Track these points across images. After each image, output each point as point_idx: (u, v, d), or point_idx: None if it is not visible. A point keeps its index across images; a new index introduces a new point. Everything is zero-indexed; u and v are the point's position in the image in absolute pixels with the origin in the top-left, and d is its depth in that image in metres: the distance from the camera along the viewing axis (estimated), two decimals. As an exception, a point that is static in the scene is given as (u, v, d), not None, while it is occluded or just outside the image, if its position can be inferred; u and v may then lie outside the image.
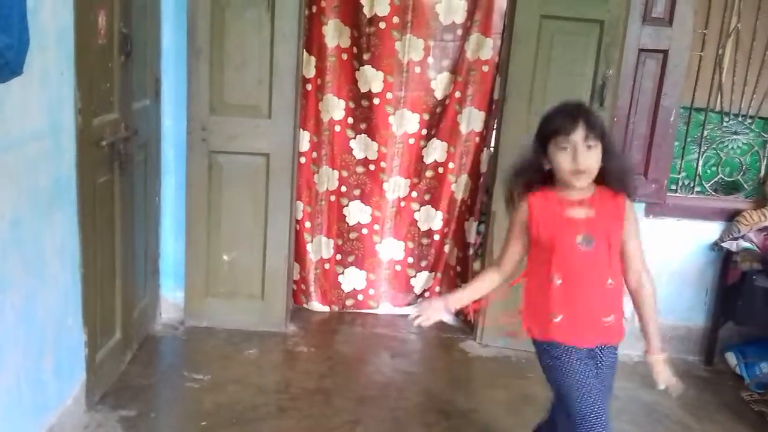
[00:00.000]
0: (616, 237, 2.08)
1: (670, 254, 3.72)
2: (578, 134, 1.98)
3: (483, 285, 2.26)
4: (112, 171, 2.81)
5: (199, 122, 3.43)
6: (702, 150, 3.83)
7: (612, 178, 2.07)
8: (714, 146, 3.86)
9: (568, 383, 2.12)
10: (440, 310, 2.20)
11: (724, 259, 3.66)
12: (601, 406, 2.10)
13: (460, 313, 3.97)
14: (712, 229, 3.70)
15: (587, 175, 2.02)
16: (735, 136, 3.86)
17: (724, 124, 3.83)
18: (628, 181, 2.12)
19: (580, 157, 1.98)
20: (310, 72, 3.75)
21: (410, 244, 4.06)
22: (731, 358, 3.70)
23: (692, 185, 3.87)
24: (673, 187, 3.83)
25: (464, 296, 2.26)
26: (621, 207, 2.07)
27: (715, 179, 3.88)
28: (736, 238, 3.58)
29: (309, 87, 3.76)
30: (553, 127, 2.04)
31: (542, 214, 2.10)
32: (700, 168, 3.85)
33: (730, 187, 3.91)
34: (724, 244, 3.62)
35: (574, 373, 2.12)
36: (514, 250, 2.18)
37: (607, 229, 2.07)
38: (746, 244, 3.55)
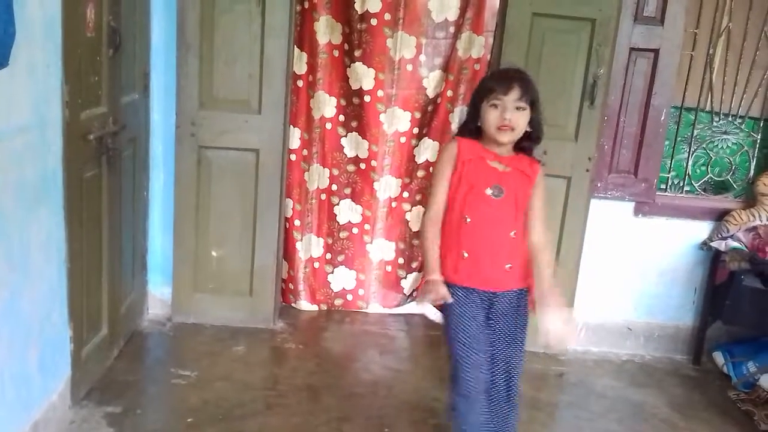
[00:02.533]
0: (524, 196, 2.29)
1: (659, 253, 3.74)
2: (511, 95, 2.19)
3: (437, 242, 2.36)
4: (100, 165, 2.79)
5: (188, 117, 3.41)
6: (692, 149, 3.85)
7: (531, 145, 2.32)
8: (704, 146, 3.87)
9: (456, 327, 2.30)
10: (441, 286, 2.30)
11: (713, 259, 3.68)
12: (479, 356, 2.29)
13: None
14: (701, 229, 3.72)
15: (512, 132, 2.23)
16: (725, 136, 3.88)
17: (714, 123, 3.85)
18: (535, 143, 2.34)
19: (507, 113, 2.19)
20: (302, 68, 3.73)
21: (401, 245, 4.05)
22: (719, 357, 3.71)
23: (682, 185, 3.89)
24: (663, 186, 3.84)
25: (437, 262, 2.36)
26: (534, 172, 2.31)
27: (705, 179, 3.90)
28: (724, 238, 3.60)
29: (300, 83, 3.75)
30: (489, 86, 2.25)
31: (468, 155, 2.29)
32: (689, 167, 3.87)
33: (720, 187, 3.92)
34: (713, 244, 3.64)
35: (466, 318, 2.29)
36: (443, 191, 2.32)
37: (518, 186, 2.28)
38: (735, 244, 3.57)
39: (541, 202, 2.33)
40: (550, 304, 2.25)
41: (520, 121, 2.22)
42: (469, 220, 2.27)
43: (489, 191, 2.27)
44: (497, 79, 2.29)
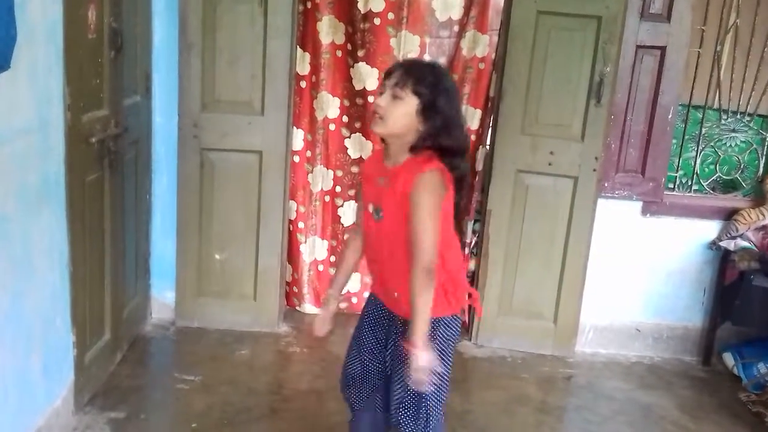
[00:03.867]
0: (402, 214, 1.92)
1: (667, 253, 3.73)
2: (390, 79, 1.92)
3: (352, 255, 2.22)
4: (102, 168, 2.79)
5: (191, 119, 3.41)
6: (700, 148, 3.84)
7: (423, 144, 1.93)
8: (712, 144, 3.86)
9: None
10: (327, 317, 2.26)
11: (722, 259, 3.66)
12: (356, 366, 2.23)
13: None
14: (710, 228, 3.71)
15: (381, 122, 1.92)
16: (733, 134, 3.87)
17: (723, 121, 3.84)
18: (448, 153, 1.94)
19: (379, 98, 1.93)
20: (305, 69, 3.73)
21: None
22: (729, 358, 3.70)
23: (690, 183, 3.87)
24: (671, 185, 3.83)
25: (341, 279, 2.26)
26: (409, 182, 1.89)
27: (713, 177, 3.88)
28: (734, 237, 3.59)
29: (303, 84, 3.74)
30: (386, 70, 1.99)
31: (367, 174, 2.11)
32: (697, 166, 3.86)
33: (728, 186, 3.91)
34: (721, 243, 3.63)
35: (359, 325, 2.25)
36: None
37: (394, 203, 1.95)
38: (744, 243, 3.56)
39: (414, 213, 1.89)
40: (413, 344, 1.89)
41: (392, 111, 1.89)
42: (365, 246, 2.13)
43: (371, 210, 2.04)
44: (393, 64, 2.03)
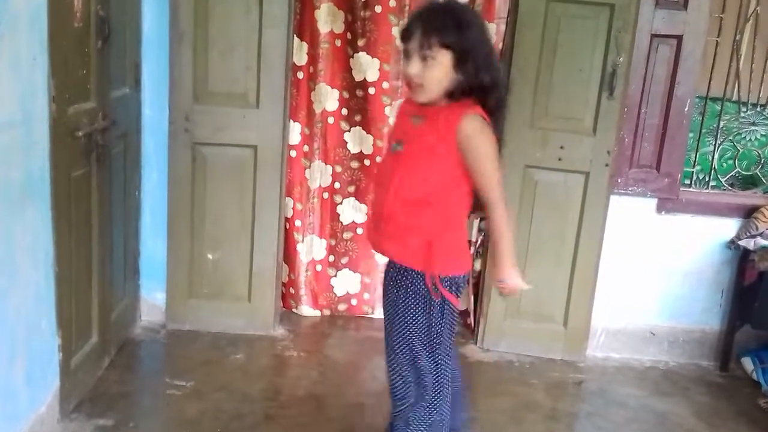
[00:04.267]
0: (425, 152, 1.99)
1: (683, 253, 3.73)
2: (413, 41, 1.91)
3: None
4: (89, 163, 2.79)
5: (182, 112, 3.41)
6: (718, 142, 3.84)
7: (462, 90, 1.95)
8: (730, 138, 3.86)
9: None
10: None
11: (741, 258, 3.66)
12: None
13: (458, 316, 3.96)
14: (729, 226, 3.71)
15: (421, 89, 1.95)
16: (753, 128, 3.88)
17: (742, 114, 3.84)
18: (490, 100, 1.99)
19: (408, 66, 1.94)
20: (302, 59, 3.73)
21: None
22: (748, 363, 3.70)
23: (707, 179, 3.87)
24: (687, 181, 3.83)
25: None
26: (450, 124, 1.93)
27: (732, 173, 3.89)
28: (753, 236, 3.59)
29: (300, 75, 3.74)
30: (401, 30, 1.99)
31: (401, 112, 2.14)
32: (715, 161, 3.86)
33: (748, 182, 3.91)
34: (740, 242, 3.62)
35: None
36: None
37: (427, 143, 1.99)
38: (764, 242, 3.55)
39: (475, 160, 1.97)
40: (500, 266, 2.07)
41: (429, 75, 1.90)
42: (374, 179, 2.23)
43: (393, 144, 2.08)
44: (407, 20, 2.00)
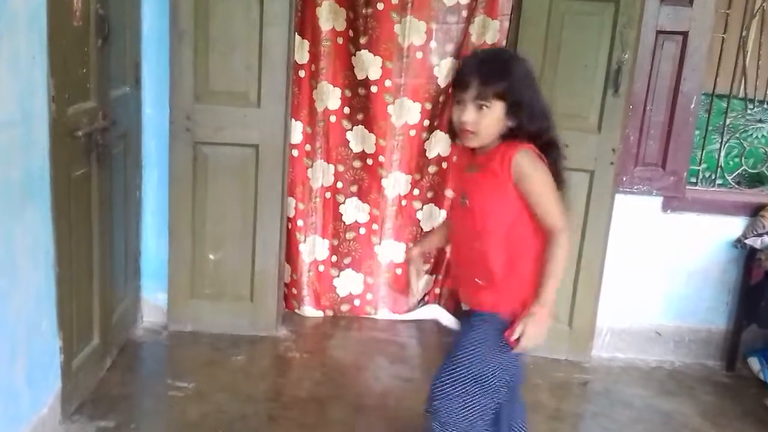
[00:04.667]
0: (491, 202, 2.05)
1: (689, 252, 3.72)
2: (469, 91, 1.99)
3: (438, 236, 2.47)
4: (89, 163, 2.79)
5: (183, 111, 3.41)
6: (724, 139, 3.83)
7: (521, 137, 2.03)
8: (737, 135, 3.85)
9: None
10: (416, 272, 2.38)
11: (748, 257, 3.65)
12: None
13: (463, 315, 3.96)
14: (735, 225, 3.70)
15: (474, 135, 2.02)
16: (760, 125, 3.87)
17: (748, 111, 3.83)
18: (542, 142, 2.06)
19: (463, 114, 2.00)
20: (303, 57, 3.73)
21: (411, 246, 4.04)
22: (754, 363, 3.69)
23: (713, 177, 3.86)
24: (693, 179, 3.83)
25: (426, 242, 2.52)
26: (504, 166, 1.99)
27: (738, 171, 3.88)
28: (760, 235, 3.58)
29: (302, 74, 3.74)
30: (453, 78, 2.10)
31: (458, 165, 2.23)
32: (722, 159, 3.85)
33: (754, 180, 3.91)
34: (747, 241, 3.61)
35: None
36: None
37: (482, 190, 2.07)
38: (771, 241, 3.54)
39: (532, 191, 2.00)
40: (533, 311, 2.00)
41: (484, 122, 1.99)
42: (449, 233, 2.29)
43: (461, 199, 2.16)
44: (458, 69, 2.11)
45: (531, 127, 2.02)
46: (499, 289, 2.11)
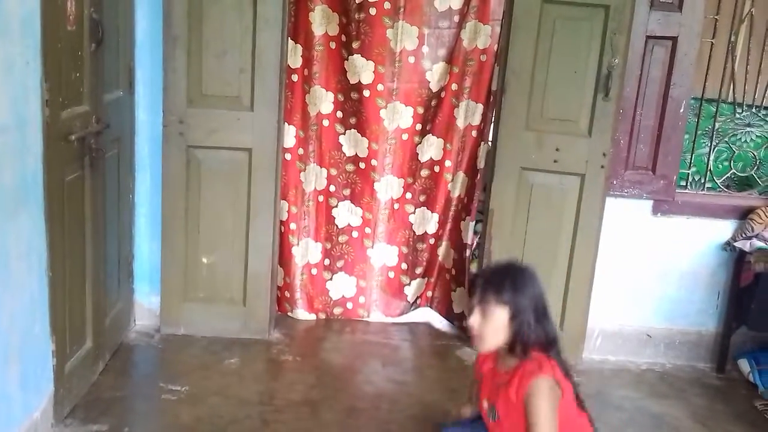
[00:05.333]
0: (519, 419, 2.09)
1: (679, 255, 3.74)
2: (475, 297, 2.16)
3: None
4: (82, 167, 2.79)
5: (176, 115, 3.41)
6: (713, 143, 3.85)
7: (521, 350, 2.13)
8: (726, 139, 3.88)
9: None
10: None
11: (737, 260, 3.68)
12: None
13: (455, 319, 3.98)
14: (724, 228, 3.72)
15: (480, 340, 2.15)
16: (748, 129, 3.89)
17: (737, 115, 3.86)
18: (548, 350, 2.15)
19: (470, 318, 2.15)
20: (296, 62, 3.74)
21: (404, 249, 4.05)
22: (744, 365, 3.71)
23: (703, 181, 3.89)
24: (683, 183, 3.85)
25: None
26: (522, 389, 2.07)
27: (728, 175, 3.90)
28: (749, 238, 3.60)
29: (295, 78, 3.75)
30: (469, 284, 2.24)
31: (482, 372, 2.32)
32: (711, 163, 3.87)
33: (743, 183, 3.93)
34: (736, 244, 3.64)
35: None
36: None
37: (511, 409, 2.13)
38: (760, 244, 3.56)
39: (532, 422, 2.04)
40: None
41: (485, 329, 2.12)
42: None
43: (485, 406, 2.27)
44: (473, 276, 2.28)
45: (519, 343, 2.12)
46: None
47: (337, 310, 4.06)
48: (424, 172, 3.95)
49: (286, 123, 3.72)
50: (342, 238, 4.00)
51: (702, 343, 3.82)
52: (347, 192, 3.96)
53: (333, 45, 3.77)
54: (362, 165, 3.90)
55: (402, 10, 3.71)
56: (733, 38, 3.73)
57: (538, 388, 2.06)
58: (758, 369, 3.63)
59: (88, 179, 2.84)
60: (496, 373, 2.23)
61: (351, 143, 3.89)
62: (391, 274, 4.07)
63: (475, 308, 2.15)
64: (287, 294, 3.99)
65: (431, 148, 3.91)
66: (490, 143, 3.81)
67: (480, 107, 3.84)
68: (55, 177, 2.55)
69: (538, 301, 2.15)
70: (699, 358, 3.83)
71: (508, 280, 2.14)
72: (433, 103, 3.85)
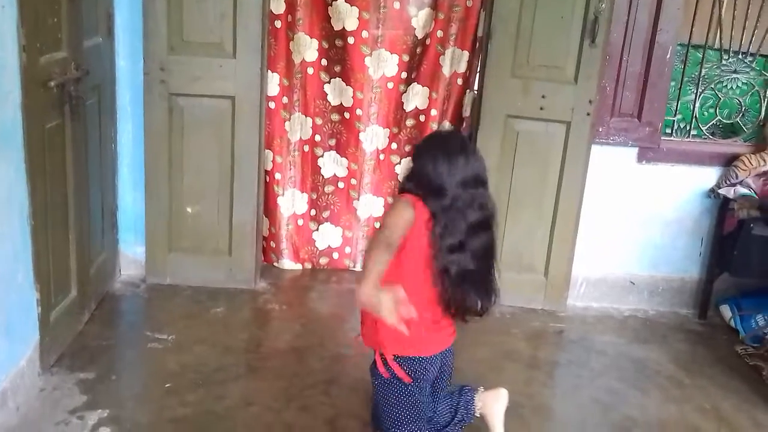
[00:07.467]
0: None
1: (663, 202, 3.76)
2: None
3: None
4: (63, 115, 2.75)
5: (157, 62, 3.36)
6: (699, 90, 3.84)
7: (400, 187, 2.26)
8: (712, 86, 3.87)
9: None
10: None
11: (721, 207, 3.71)
12: None
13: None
14: (709, 175, 3.74)
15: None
16: (734, 75, 3.88)
17: (723, 62, 3.84)
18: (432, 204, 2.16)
19: None
20: (279, 7, 3.67)
21: (390, 200, 4.04)
22: (726, 310, 3.77)
23: (688, 128, 3.89)
24: (668, 130, 3.84)
25: None
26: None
27: (713, 122, 3.90)
28: (733, 184, 3.62)
29: (278, 24, 3.69)
30: None
31: None
32: (697, 110, 3.86)
33: (729, 130, 3.93)
34: (720, 191, 3.66)
35: None
36: None
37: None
38: (744, 191, 3.58)
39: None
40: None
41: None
42: None
43: None
44: None
45: (418, 192, 2.13)
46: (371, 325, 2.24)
47: (323, 260, 4.08)
48: (410, 122, 3.92)
49: (269, 71, 3.67)
50: (328, 189, 3.99)
51: (685, 290, 3.87)
52: (333, 142, 3.93)
53: (316, -10, 3.70)
54: (347, 115, 3.87)
55: (386, -45, 3.65)
56: (720, -17, 3.69)
57: (394, 203, 2.17)
58: (740, 315, 3.69)
59: (68, 127, 2.80)
60: None
61: (336, 92, 3.85)
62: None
63: None
64: (273, 244, 3.99)
65: (417, 96, 3.88)
66: (475, 91, 3.79)
67: (466, 54, 3.81)
68: (34, 124, 2.51)
69: (434, 164, 2.12)
70: (682, 304, 3.89)
71: (427, 138, 2.35)
72: (419, 50, 3.81)
